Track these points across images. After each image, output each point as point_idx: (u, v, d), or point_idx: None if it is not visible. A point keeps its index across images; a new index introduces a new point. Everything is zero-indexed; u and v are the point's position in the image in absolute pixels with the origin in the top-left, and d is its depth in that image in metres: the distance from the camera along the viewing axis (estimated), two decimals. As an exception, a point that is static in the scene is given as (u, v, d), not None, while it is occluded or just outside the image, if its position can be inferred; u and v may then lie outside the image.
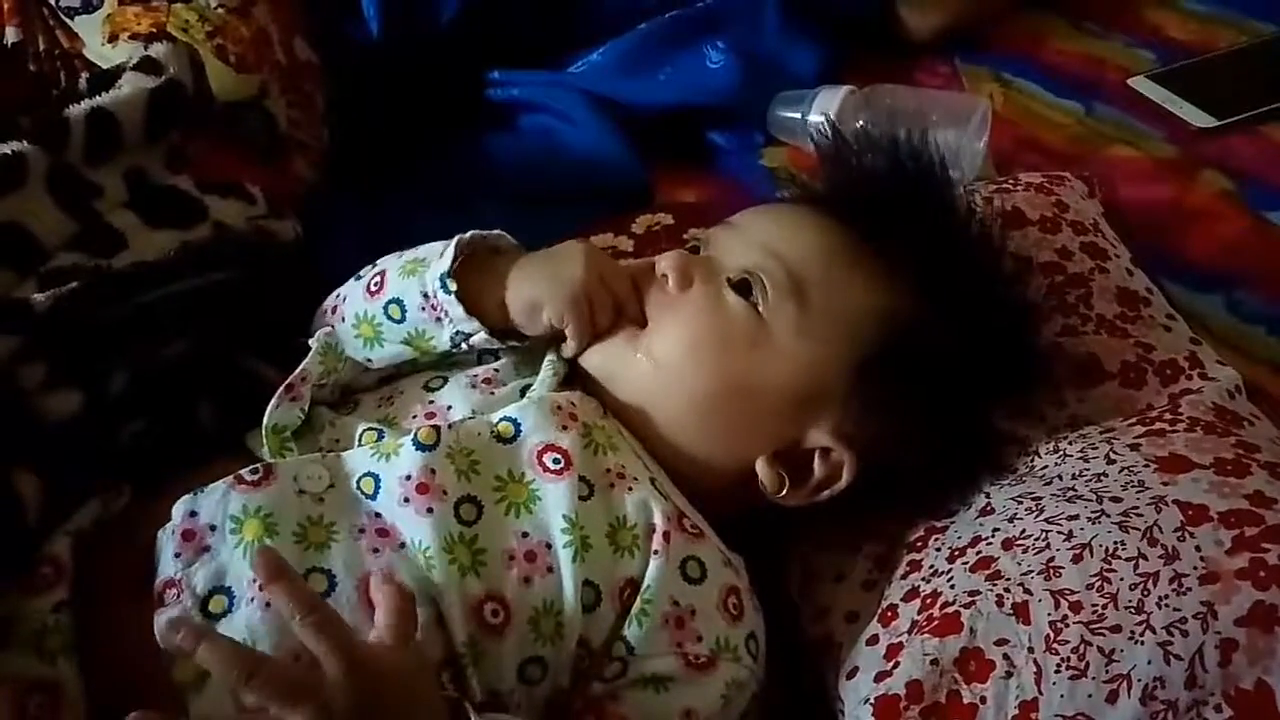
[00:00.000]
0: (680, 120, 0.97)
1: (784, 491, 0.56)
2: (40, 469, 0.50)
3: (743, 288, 0.57)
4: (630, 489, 0.52)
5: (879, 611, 0.54)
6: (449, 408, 0.55)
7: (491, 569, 0.49)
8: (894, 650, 0.51)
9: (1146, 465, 0.54)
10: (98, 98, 0.60)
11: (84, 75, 0.71)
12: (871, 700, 0.50)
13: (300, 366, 0.55)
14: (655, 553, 0.51)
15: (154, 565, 0.49)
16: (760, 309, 0.56)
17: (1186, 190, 0.91)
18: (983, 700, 0.48)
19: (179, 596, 0.47)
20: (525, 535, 0.50)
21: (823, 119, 0.93)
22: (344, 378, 0.59)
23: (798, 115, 0.95)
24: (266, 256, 0.66)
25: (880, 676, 0.50)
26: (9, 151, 0.55)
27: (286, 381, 0.54)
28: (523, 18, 0.96)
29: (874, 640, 0.53)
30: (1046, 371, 0.63)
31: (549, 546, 0.50)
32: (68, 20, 0.75)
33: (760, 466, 0.56)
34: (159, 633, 0.44)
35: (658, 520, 0.52)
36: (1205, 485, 0.52)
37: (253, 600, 0.46)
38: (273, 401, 0.54)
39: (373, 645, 0.45)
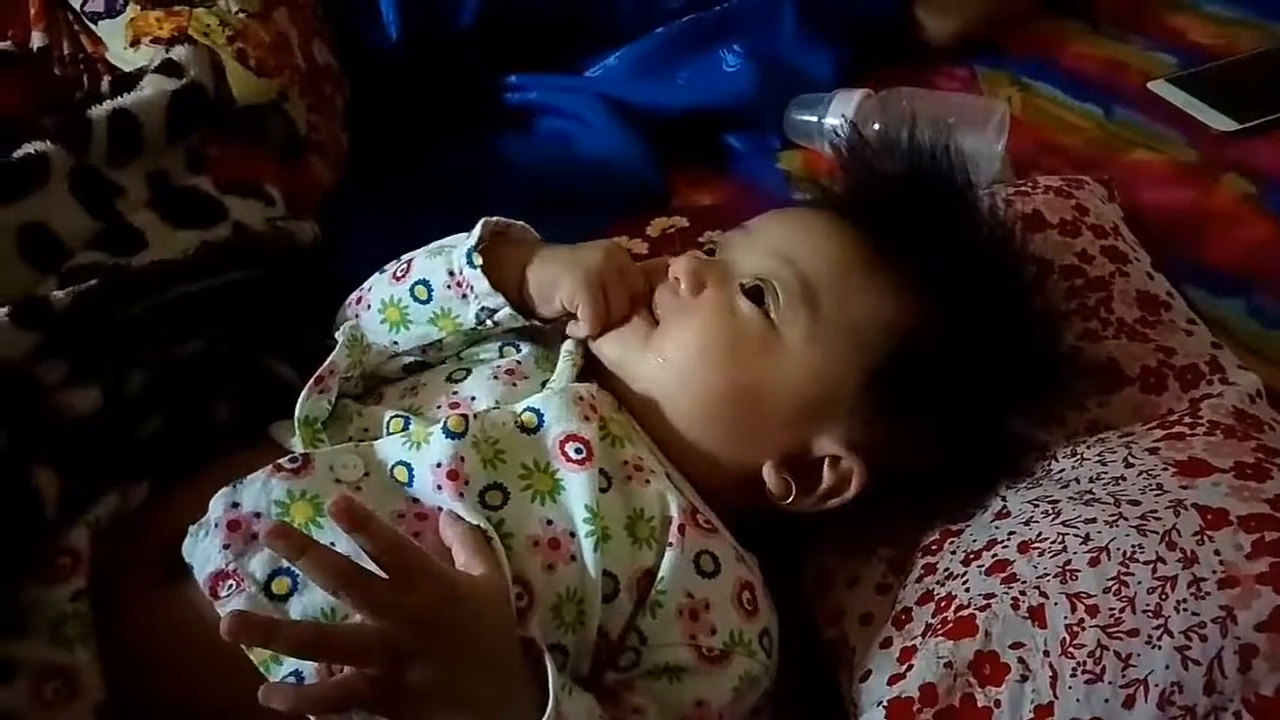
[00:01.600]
0: (696, 123, 0.97)
1: (791, 498, 0.56)
2: (59, 465, 0.50)
3: (755, 294, 0.57)
4: (648, 481, 0.53)
5: (893, 614, 0.54)
6: (472, 398, 0.56)
7: (517, 554, 0.49)
8: (908, 653, 0.51)
9: (1165, 469, 0.54)
10: (120, 99, 0.60)
11: (106, 79, 0.72)
12: (885, 703, 0.49)
13: (329, 359, 0.56)
14: (670, 545, 0.51)
15: (175, 555, 0.49)
16: (772, 315, 0.56)
17: (1207, 194, 0.90)
18: (997, 704, 0.47)
19: (239, 586, 0.47)
20: (550, 523, 0.51)
21: (841, 122, 0.93)
22: (369, 366, 0.60)
23: (814, 118, 0.95)
24: (285, 257, 0.67)
25: (894, 679, 0.50)
26: (32, 151, 0.55)
27: (316, 374, 0.55)
28: (539, 22, 0.97)
29: (888, 643, 0.53)
30: (1065, 379, 0.63)
31: (572, 535, 0.50)
32: (91, 25, 0.76)
33: (767, 472, 0.56)
34: (225, 626, 0.43)
35: (674, 513, 0.52)
36: (1225, 489, 0.51)
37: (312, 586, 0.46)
38: (303, 393, 0.54)
39: (459, 571, 0.46)
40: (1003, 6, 1.11)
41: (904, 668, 0.50)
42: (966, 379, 0.56)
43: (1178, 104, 1.00)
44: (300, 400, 0.54)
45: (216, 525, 0.48)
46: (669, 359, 0.56)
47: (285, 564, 0.47)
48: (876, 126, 0.91)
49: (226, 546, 0.48)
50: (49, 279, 0.55)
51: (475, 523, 0.49)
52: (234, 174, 0.66)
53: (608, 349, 0.58)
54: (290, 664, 0.45)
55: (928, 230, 0.58)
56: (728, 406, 0.56)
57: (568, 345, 0.59)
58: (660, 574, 0.51)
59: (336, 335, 0.58)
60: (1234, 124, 0.97)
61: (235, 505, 0.49)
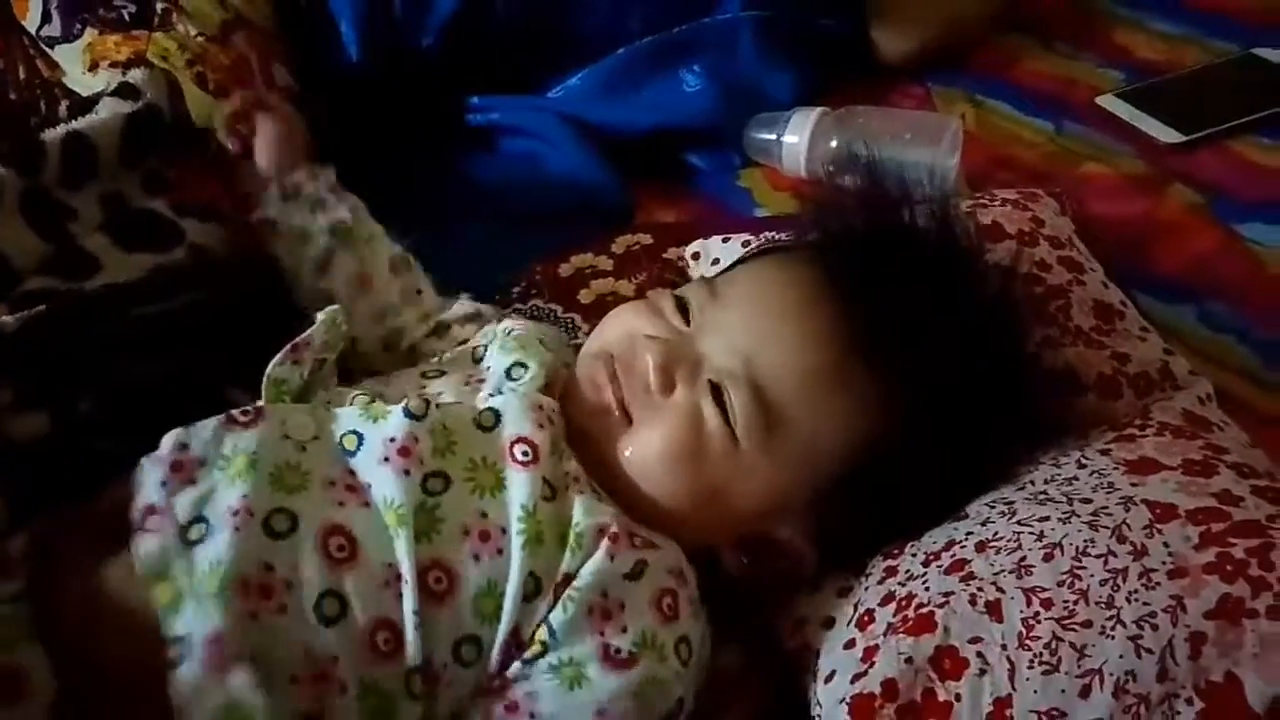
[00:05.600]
0: (658, 143, 0.98)
1: (743, 572, 0.57)
2: (4, 486, 0.50)
3: (722, 393, 0.55)
4: (582, 492, 0.53)
5: (855, 617, 0.54)
6: (439, 394, 0.57)
7: (445, 538, 0.50)
8: (870, 652, 0.51)
9: (1116, 468, 0.55)
10: (74, 122, 0.60)
11: (64, 103, 0.72)
12: (847, 700, 0.49)
13: (306, 331, 0.57)
14: (598, 550, 0.51)
15: (119, 524, 0.49)
16: (733, 424, 0.54)
17: (1157, 205, 0.93)
18: (957, 698, 0.48)
19: (161, 522, 0.48)
20: (484, 515, 0.51)
21: (799, 140, 0.94)
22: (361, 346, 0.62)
23: (773, 137, 0.97)
24: (243, 280, 0.67)
25: (856, 677, 0.50)
26: (-19, 176, 0.55)
27: (292, 342, 0.56)
28: (502, 44, 0.98)
29: (851, 644, 0.53)
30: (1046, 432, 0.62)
31: (504, 531, 0.51)
32: (48, 49, 0.76)
33: (723, 553, 0.57)
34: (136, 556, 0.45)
35: (607, 519, 0.52)
36: (1174, 485, 0.52)
37: (224, 528, 0.48)
38: (277, 356, 0.56)
39: None
40: (957, 27, 1.14)
41: (866, 666, 0.50)
42: (934, 481, 0.56)
43: (1126, 118, 1.03)
44: (273, 361, 0.55)
45: (160, 461, 0.50)
46: (636, 457, 0.56)
47: (206, 512, 0.48)
48: (834, 144, 0.94)
49: (164, 484, 0.49)
50: (-1, 305, 0.54)
51: (403, 499, 0.50)
52: (192, 196, 0.66)
53: (579, 419, 0.57)
54: (188, 616, 0.46)
55: (913, 312, 0.56)
56: (686, 504, 0.55)
57: (545, 357, 0.59)
58: (580, 574, 0.51)
59: (316, 315, 0.59)
60: (1180, 136, 0.99)
61: (184, 447, 0.50)
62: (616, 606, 0.51)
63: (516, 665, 0.50)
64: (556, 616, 0.50)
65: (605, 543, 0.51)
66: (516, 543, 0.50)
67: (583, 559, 0.51)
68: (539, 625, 0.50)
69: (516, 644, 0.50)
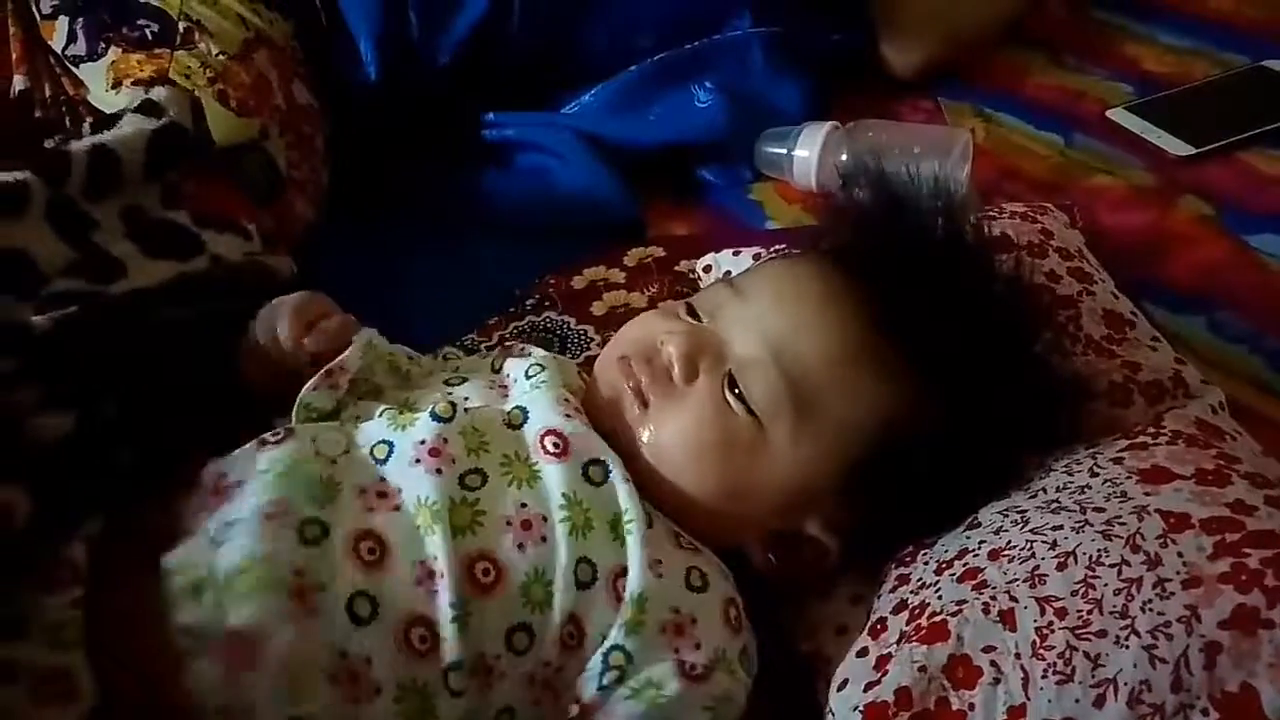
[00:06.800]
0: (670, 157, 0.99)
1: (771, 569, 0.58)
2: (30, 485, 0.50)
3: (740, 383, 0.56)
4: (629, 482, 0.54)
5: (869, 625, 0.55)
6: (465, 399, 0.58)
7: (488, 530, 0.51)
8: (883, 660, 0.51)
9: (1129, 477, 0.55)
10: (100, 135, 0.61)
11: (88, 120, 0.73)
12: (861, 708, 0.50)
13: (341, 356, 0.58)
14: (643, 546, 0.52)
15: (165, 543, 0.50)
16: (759, 414, 0.55)
17: (1166, 216, 0.93)
18: (971, 707, 0.48)
19: (194, 538, 0.49)
20: (524, 506, 0.52)
21: (809, 154, 0.95)
22: (382, 381, 0.62)
23: (783, 150, 0.97)
24: (263, 291, 0.67)
25: (869, 686, 0.50)
26: (11, 180, 0.56)
27: (326, 367, 0.57)
28: (517, 62, 0.99)
29: (864, 652, 0.53)
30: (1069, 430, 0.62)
31: (545, 519, 0.52)
32: (72, 68, 0.78)
33: (749, 549, 0.58)
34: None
35: (657, 525, 0.53)
36: (1187, 495, 0.52)
37: (255, 527, 0.49)
38: (311, 382, 0.56)
39: None
40: (965, 40, 1.14)
41: (880, 675, 0.51)
42: (955, 464, 0.57)
43: (1136, 130, 1.03)
44: (306, 387, 0.56)
45: (203, 490, 0.51)
46: (660, 446, 0.56)
47: (234, 517, 0.49)
48: (844, 157, 0.94)
49: (202, 510, 0.50)
50: (26, 305, 0.55)
51: (437, 496, 0.50)
52: (210, 209, 0.67)
53: (600, 420, 0.57)
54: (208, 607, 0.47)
55: (930, 300, 0.57)
56: (714, 498, 0.56)
57: (561, 360, 0.61)
58: (637, 589, 0.51)
59: (353, 338, 0.59)
60: (1190, 148, 1.00)
61: (223, 475, 0.51)
62: (688, 621, 0.51)
63: (595, 693, 0.50)
64: (630, 643, 0.50)
65: (651, 540, 0.52)
66: (561, 530, 0.51)
67: (629, 555, 0.51)
68: (614, 649, 0.50)
69: (577, 632, 0.51)
